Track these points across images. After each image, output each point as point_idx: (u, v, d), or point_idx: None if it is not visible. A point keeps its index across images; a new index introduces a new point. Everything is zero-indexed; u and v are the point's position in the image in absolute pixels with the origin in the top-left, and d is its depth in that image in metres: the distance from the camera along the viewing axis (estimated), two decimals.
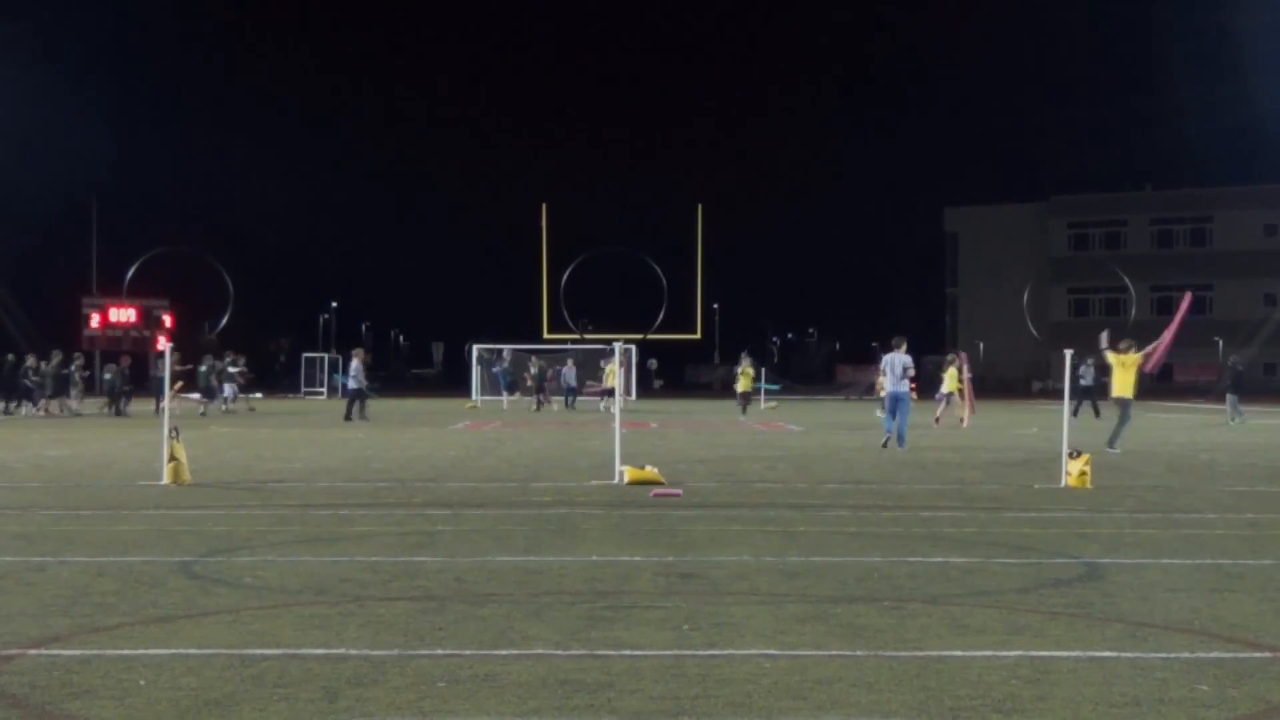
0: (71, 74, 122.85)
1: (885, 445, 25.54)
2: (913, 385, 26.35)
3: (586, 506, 14.80)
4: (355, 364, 39.99)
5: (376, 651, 7.25)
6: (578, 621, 8.09)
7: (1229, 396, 40.53)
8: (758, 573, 10.13)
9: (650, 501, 15.35)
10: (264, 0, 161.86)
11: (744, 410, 42.66)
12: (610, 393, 48.06)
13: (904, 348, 26.05)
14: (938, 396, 37.39)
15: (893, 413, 25.67)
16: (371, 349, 58.31)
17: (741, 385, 43.67)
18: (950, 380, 36.99)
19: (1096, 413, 39.07)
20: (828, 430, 34.65)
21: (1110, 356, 25.64)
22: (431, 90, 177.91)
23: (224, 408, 45.71)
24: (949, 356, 38.17)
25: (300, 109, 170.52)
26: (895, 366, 25.77)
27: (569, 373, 51.93)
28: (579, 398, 52.84)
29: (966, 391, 36.98)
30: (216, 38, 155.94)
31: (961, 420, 36.11)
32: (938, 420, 35.90)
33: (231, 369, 46.53)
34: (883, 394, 27.25)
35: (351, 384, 39.76)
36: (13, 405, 42.15)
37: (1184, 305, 25.54)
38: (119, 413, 41.78)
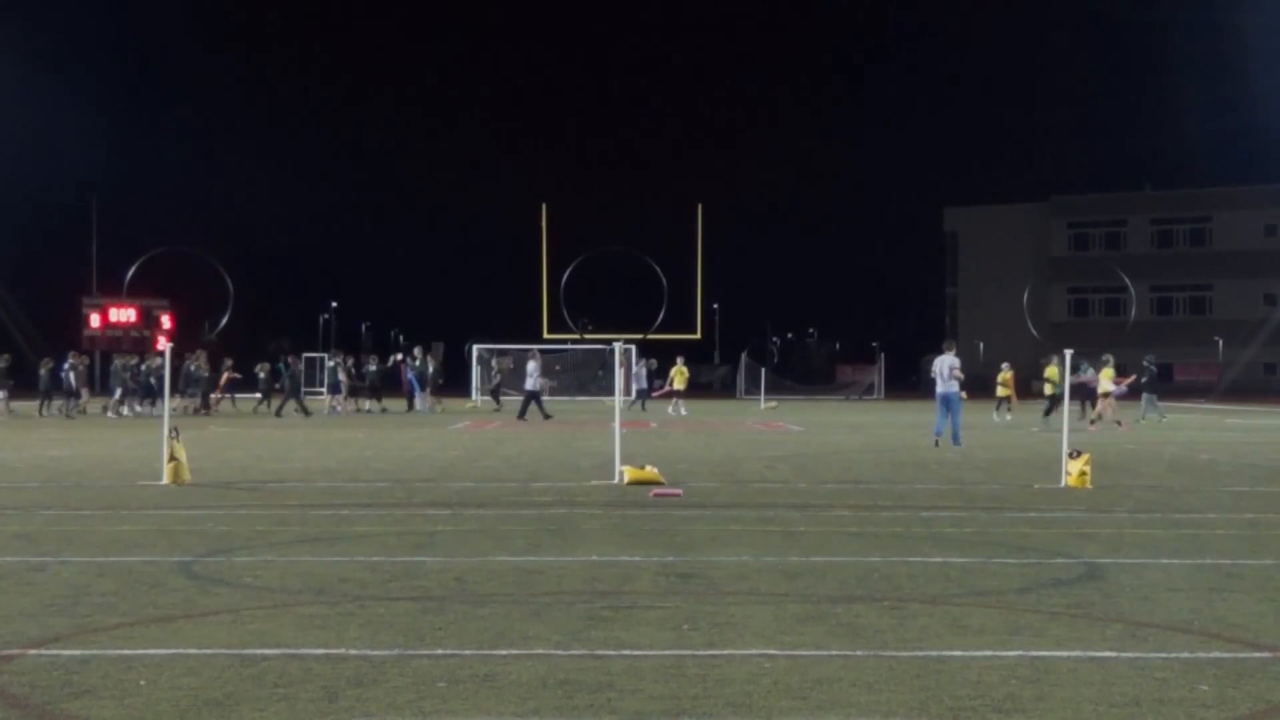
0: (71, 73, 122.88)
1: (937, 444, 25.93)
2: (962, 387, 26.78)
3: (586, 506, 14.80)
4: (532, 364, 40.10)
5: (376, 651, 7.25)
6: (578, 621, 8.09)
7: (1145, 395, 40.16)
8: (758, 573, 10.14)
9: (650, 501, 15.35)
10: (264, 1, 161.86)
11: (1046, 414, 38.02)
12: (678, 393, 46.95)
13: (954, 350, 26.93)
14: (1116, 392, 36.07)
15: (946, 412, 26.23)
16: (372, 349, 58.10)
17: (1049, 388, 40.03)
18: (1106, 380, 36.08)
19: (1085, 414, 38.37)
20: (828, 430, 34.64)
21: None
22: (432, 90, 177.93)
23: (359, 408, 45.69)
24: (1105, 357, 37.17)
25: (300, 109, 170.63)
26: (944, 368, 26.47)
27: (642, 373, 49.97)
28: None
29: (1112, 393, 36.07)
30: (217, 38, 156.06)
31: (1118, 423, 35.29)
32: (1098, 422, 34.95)
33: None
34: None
35: (529, 385, 39.83)
36: (141, 404, 42.12)
37: None
38: (278, 413, 42.72)
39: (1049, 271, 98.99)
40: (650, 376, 49.76)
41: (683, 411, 45.12)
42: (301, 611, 8.46)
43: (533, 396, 39.63)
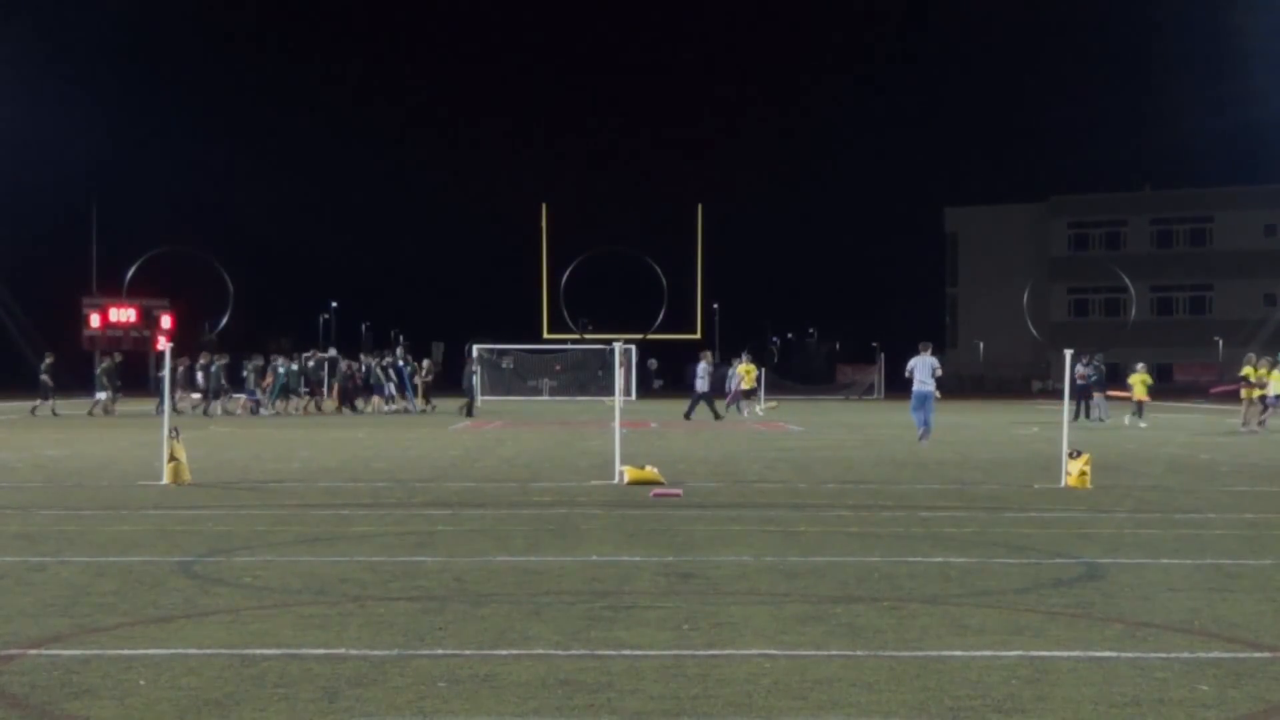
0: (71, 74, 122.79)
1: (921, 439, 27.19)
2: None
3: (586, 506, 14.80)
4: (702, 365, 39.99)
5: (376, 651, 7.25)
6: (578, 621, 8.10)
7: (1095, 395, 39.25)
8: (758, 573, 10.14)
9: (650, 501, 15.35)
10: (265, 1, 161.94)
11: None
12: (748, 395, 45.70)
13: (930, 350, 27.95)
14: (1271, 399, 33.94)
15: (920, 408, 27.59)
16: (372, 348, 58.03)
17: (1137, 392, 37.75)
18: (1276, 382, 33.88)
19: (1081, 414, 37.45)
20: (828, 430, 34.64)
21: None
22: (432, 90, 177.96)
23: (386, 409, 45.79)
24: (1266, 358, 35.63)
25: (300, 109, 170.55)
26: (924, 368, 27.47)
27: (735, 374, 45.81)
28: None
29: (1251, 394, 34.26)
30: (216, 37, 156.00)
31: (1262, 423, 33.86)
32: (1262, 423, 33.64)
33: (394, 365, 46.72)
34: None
35: (699, 385, 39.72)
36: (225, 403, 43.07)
37: None
38: (353, 409, 44.08)
39: (1049, 271, 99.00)
40: (724, 378, 47.06)
41: (745, 413, 43.37)
42: (301, 611, 8.46)
43: (702, 397, 39.41)
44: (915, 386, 27.67)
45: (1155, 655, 7.31)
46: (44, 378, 41.84)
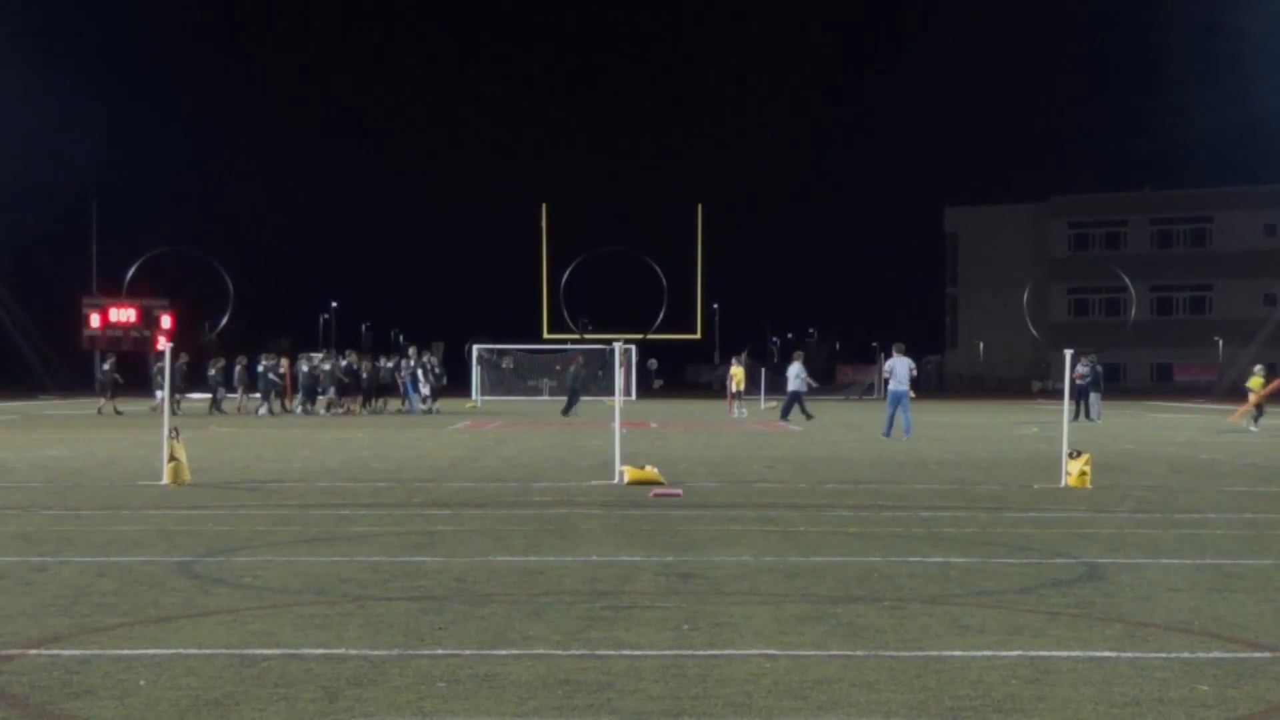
0: (71, 74, 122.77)
1: (887, 432, 28.97)
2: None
3: (586, 506, 14.80)
4: (795, 366, 40.07)
5: (376, 651, 7.25)
6: (578, 621, 8.10)
7: (1091, 395, 39.10)
8: (758, 573, 10.14)
9: (650, 501, 15.35)
10: (265, 1, 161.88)
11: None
12: (737, 396, 45.53)
13: (904, 351, 29.25)
14: None
15: (897, 407, 28.97)
16: (372, 348, 58.00)
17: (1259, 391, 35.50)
18: None
19: (1085, 415, 37.87)
20: (828, 430, 34.64)
21: None
22: (432, 90, 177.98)
23: (422, 408, 45.87)
24: None
25: (300, 109, 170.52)
26: (901, 368, 28.87)
27: (802, 373, 42.50)
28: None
29: None
30: (216, 37, 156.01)
31: None
32: None
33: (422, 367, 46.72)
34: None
35: (793, 385, 39.85)
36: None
37: None
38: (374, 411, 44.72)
39: (1049, 271, 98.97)
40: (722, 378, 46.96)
41: (745, 413, 43.72)
42: (301, 611, 8.46)
43: (796, 397, 39.54)
44: (892, 386, 29.05)
45: (1155, 655, 7.31)
46: (114, 376, 42.45)
